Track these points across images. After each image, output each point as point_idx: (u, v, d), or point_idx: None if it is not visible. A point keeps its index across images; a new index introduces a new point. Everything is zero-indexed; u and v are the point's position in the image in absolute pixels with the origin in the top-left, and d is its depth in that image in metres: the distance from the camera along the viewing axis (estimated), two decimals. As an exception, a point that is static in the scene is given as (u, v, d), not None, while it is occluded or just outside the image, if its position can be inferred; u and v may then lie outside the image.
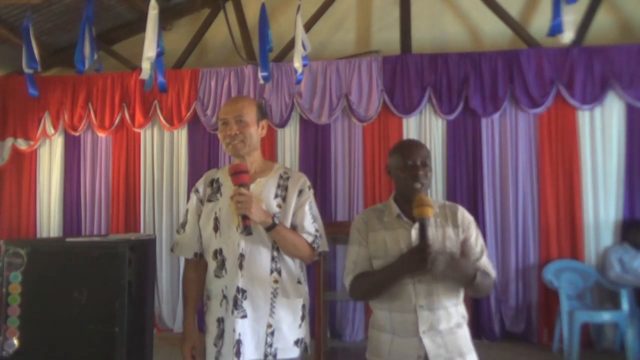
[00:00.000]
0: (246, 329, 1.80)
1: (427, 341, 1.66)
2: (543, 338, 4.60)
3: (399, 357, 1.70)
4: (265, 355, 1.81)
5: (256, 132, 1.94)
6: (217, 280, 1.88)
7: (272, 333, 1.83)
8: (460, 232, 1.74)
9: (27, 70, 4.48)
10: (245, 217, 1.75)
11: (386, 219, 1.78)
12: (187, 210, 2.02)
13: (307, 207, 1.93)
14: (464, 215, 1.79)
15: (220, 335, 1.84)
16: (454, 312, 1.72)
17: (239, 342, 1.78)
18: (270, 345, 1.82)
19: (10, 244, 2.24)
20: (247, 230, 1.76)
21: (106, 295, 2.17)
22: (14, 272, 2.20)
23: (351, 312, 4.81)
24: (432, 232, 1.71)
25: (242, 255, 1.83)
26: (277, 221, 1.82)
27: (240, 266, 1.82)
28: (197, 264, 1.99)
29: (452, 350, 1.68)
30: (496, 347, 4.50)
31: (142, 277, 2.35)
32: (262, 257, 1.84)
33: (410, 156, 1.74)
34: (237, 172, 1.80)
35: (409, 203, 1.71)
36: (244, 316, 1.81)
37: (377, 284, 1.71)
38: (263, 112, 2.00)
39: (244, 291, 1.81)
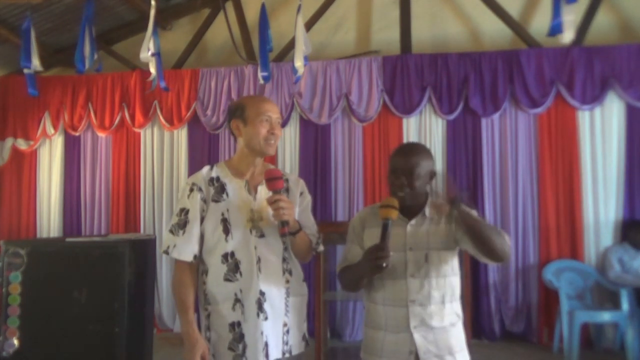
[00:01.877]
0: (269, 330, 1.82)
1: (417, 336, 1.69)
2: (543, 338, 4.60)
3: (392, 353, 1.73)
4: (283, 354, 1.85)
5: None
6: (227, 284, 1.83)
7: (288, 331, 1.86)
8: (454, 224, 1.75)
9: (26, 71, 4.48)
10: (283, 224, 1.77)
11: None
12: (185, 210, 1.87)
13: (309, 210, 2.00)
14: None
15: (239, 339, 1.80)
16: (447, 309, 1.74)
17: (267, 345, 1.80)
18: (287, 343, 1.86)
19: (10, 244, 2.25)
20: (284, 236, 1.80)
21: (106, 295, 2.17)
22: (14, 272, 2.20)
23: (351, 312, 4.82)
24: (426, 229, 1.76)
25: (259, 259, 1.83)
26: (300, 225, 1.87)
27: (260, 269, 1.82)
28: (191, 266, 1.88)
29: (443, 348, 1.71)
30: (496, 347, 4.50)
31: (142, 277, 2.35)
32: (276, 258, 1.87)
33: (396, 163, 1.78)
34: (274, 178, 1.81)
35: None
36: (266, 318, 1.82)
37: (352, 277, 1.81)
38: None
39: (263, 293, 1.82)
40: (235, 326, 1.82)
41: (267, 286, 1.83)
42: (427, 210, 1.79)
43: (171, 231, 1.86)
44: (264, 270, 1.82)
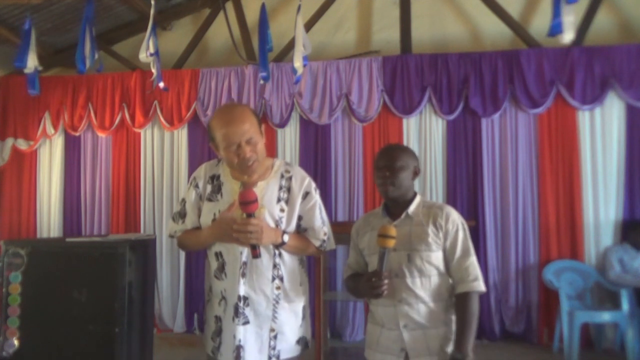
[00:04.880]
0: (249, 335, 1.81)
1: (406, 335, 1.74)
2: (543, 338, 4.60)
3: (386, 349, 1.79)
4: (270, 358, 1.83)
5: (263, 144, 1.89)
6: (216, 281, 1.89)
7: (275, 337, 1.84)
8: (441, 235, 1.78)
9: (27, 70, 4.47)
10: (254, 247, 1.73)
11: (374, 220, 1.90)
12: (184, 201, 1.97)
13: (317, 211, 1.93)
14: (449, 217, 1.81)
15: (218, 332, 1.86)
16: (435, 309, 1.76)
17: (239, 348, 1.80)
18: (274, 348, 1.84)
19: (10, 244, 2.24)
20: (256, 257, 1.76)
21: (106, 295, 2.17)
22: (14, 272, 2.20)
23: (351, 312, 4.82)
24: (409, 229, 1.80)
25: (244, 263, 1.82)
26: (286, 239, 1.82)
27: (243, 274, 1.81)
28: None
29: (432, 347, 1.73)
30: (496, 347, 4.50)
31: (142, 277, 2.35)
32: (264, 265, 1.83)
33: (378, 161, 1.86)
34: (247, 202, 1.72)
35: (393, 204, 1.86)
36: (246, 322, 1.81)
37: (354, 292, 1.93)
38: (259, 118, 1.94)
39: (245, 298, 1.81)
40: (218, 320, 1.87)
41: (252, 292, 1.81)
42: (411, 210, 1.83)
43: (173, 219, 2.00)
44: (249, 275, 1.82)
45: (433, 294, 1.75)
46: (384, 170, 1.81)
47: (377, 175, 1.85)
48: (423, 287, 1.74)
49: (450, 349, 1.74)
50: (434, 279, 1.76)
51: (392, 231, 1.69)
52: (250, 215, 1.74)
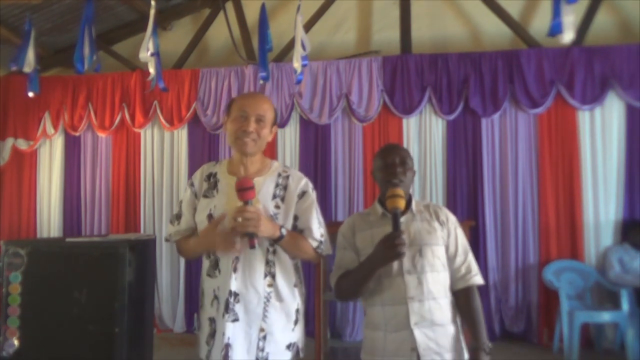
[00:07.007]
0: (237, 333, 1.78)
1: (417, 333, 1.71)
2: (543, 338, 4.60)
3: (394, 352, 1.73)
4: (257, 359, 1.80)
5: (268, 135, 1.91)
6: (209, 280, 1.87)
7: (264, 337, 1.80)
8: (445, 231, 1.84)
9: (27, 70, 4.47)
10: (251, 236, 1.71)
11: (372, 218, 1.88)
12: (181, 202, 1.99)
13: (314, 211, 1.91)
14: (448, 216, 1.89)
15: (212, 334, 1.83)
16: (444, 305, 1.76)
17: (227, 346, 1.77)
18: (262, 350, 1.80)
19: (10, 244, 2.24)
20: (252, 248, 1.73)
21: (106, 295, 2.17)
22: (14, 272, 2.20)
23: (351, 312, 4.82)
24: (417, 225, 1.81)
25: (237, 258, 1.80)
26: (284, 232, 1.79)
27: (235, 269, 1.80)
28: None
29: (442, 345, 1.72)
30: (496, 347, 4.47)
31: (142, 277, 2.35)
32: (257, 261, 1.81)
33: (387, 156, 1.85)
34: (244, 189, 1.72)
35: None
36: (235, 320, 1.79)
37: (357, 278, 1.78)
38: (276, 118, 1.99)
39: (236, 294, 1.79)
40: (211, 322, 1.84)
41: (243, 288, 1.80)
42: (414, 207, 1.85)
43: (171, 221, 2.01)
44: (240, 271, 1.80)
45: (441, 290, 1.76)
46: (395, 166, 1.82)
47: (386, 172, 1.82)
48: (433, 283, 1.74)
49: (459, 346, 1.75)
50: (442, 275, 1.78)
51: (401, 191, 1.73)
52: (246, 203, 1.72)
